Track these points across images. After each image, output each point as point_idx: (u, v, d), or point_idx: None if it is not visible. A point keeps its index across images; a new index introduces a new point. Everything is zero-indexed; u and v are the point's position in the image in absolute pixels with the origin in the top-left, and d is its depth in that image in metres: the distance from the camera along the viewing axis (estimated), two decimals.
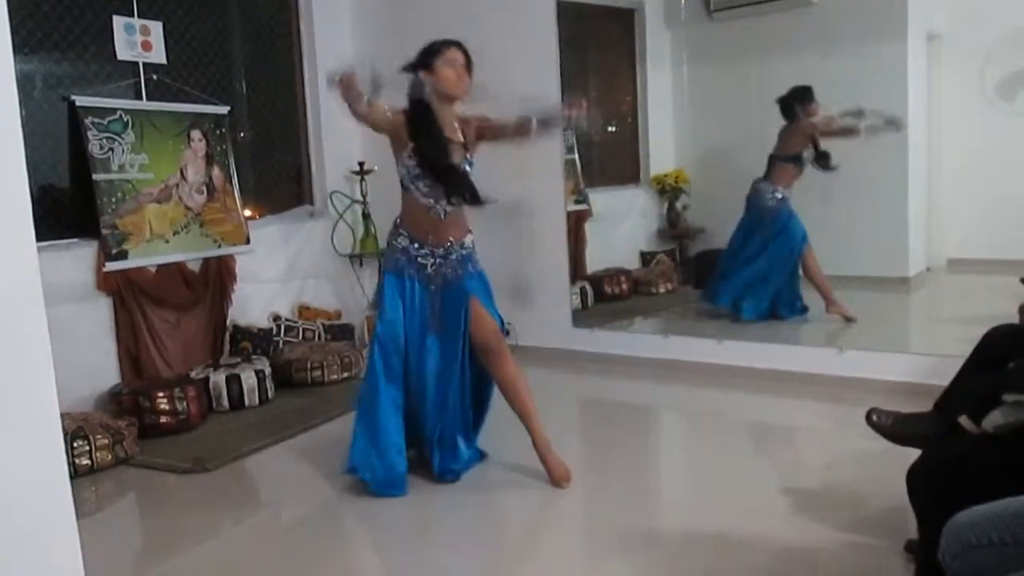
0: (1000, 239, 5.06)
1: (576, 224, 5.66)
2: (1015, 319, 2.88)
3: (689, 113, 6.13)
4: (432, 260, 3.24)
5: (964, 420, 2.00)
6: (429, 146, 3.06)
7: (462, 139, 3.18)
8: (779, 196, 5.27)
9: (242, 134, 5.47)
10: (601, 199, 6.01)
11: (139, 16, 4.68)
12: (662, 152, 6.29)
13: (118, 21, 4.58)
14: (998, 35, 4.97)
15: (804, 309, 5.29)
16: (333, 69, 2.93)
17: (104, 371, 4.39)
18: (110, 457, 3.71)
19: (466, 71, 3.10)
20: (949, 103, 5.36)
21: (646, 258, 6.30)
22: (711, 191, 6.11)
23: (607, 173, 6.42)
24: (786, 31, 5.59)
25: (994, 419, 1.91)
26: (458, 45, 3.11)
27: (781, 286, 5.29)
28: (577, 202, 5.73)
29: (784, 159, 5.27)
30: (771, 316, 5.26)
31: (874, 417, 2.63)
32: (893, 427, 2.60)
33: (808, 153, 5.22)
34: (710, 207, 6.16)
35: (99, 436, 3.69)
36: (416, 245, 3.25)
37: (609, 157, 6.55)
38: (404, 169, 3.16)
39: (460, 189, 3.10)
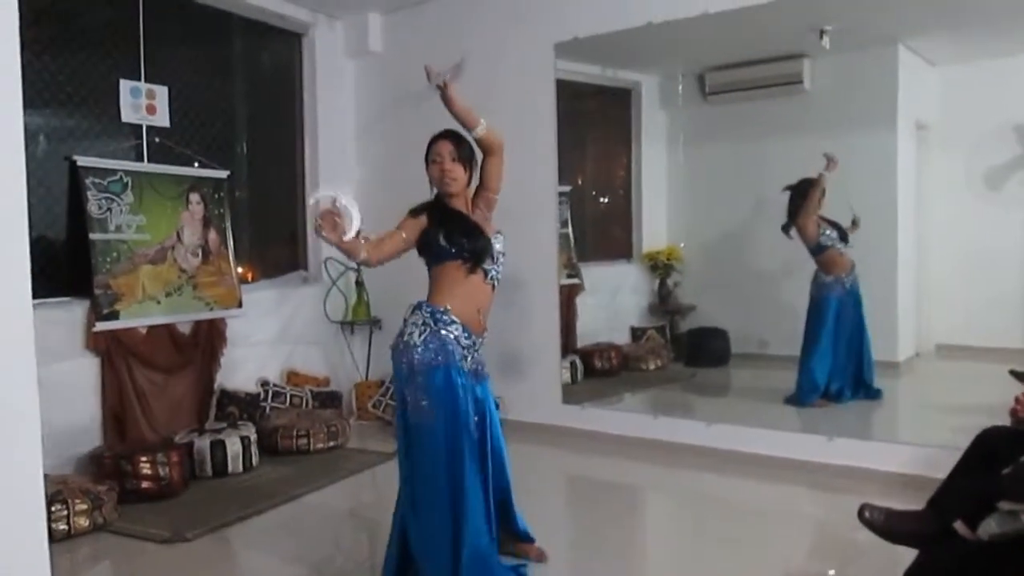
0: (988, 327, 5.09)
1: (568, 298, 5.69)
2: (1004, 408, 2.87)
3: (683, 191, 6.20)
4: (472, 353, 2.97)
5: (959, 526, 1.99)
6: (458, 224, 2.97)
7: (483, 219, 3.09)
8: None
9: (238, 193, 5.49)
10: (593, 273, 6.04)
11: (146, 80, 4.76)
12: (655, 229, 6.35)
13: (125, 85, 4.65)
14: (986, 127, 5.07)
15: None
16: (312, 204, 2.80)
17: (87, 432, 4.34)
18: (87, 523, 3.63)
19: (453, 161, 2.97)
20: (938, 191, 5.44)
21: (636, 333, 6.31)
22: (703, 268, 6.16)
23: (600, 248, 6.47)
24: (780, 116, 5.71)
25: (989, 527, 1.90)
26: (444, 136, 3.01)
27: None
28: (569, 276, 5.76)
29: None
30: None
31: (866, 513, 2.62)
32: (886, 524, 2.58)
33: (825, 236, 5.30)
34: (702, 284, 6.20)
35: (78, 501, 3.62)
36: (466, 335, 2.93)
37: (602, 232, 6.61)
38: (448, 249, 2.93)
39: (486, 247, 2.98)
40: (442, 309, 2.89)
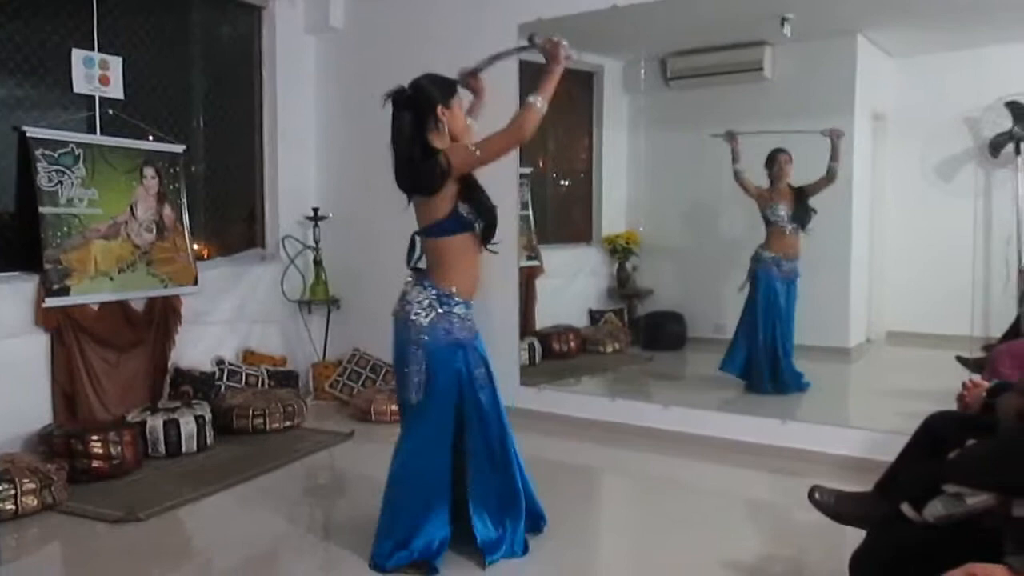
0: (937, 314, 5.20)
1: (527, 280, 5.69)
2: (951, 394, 2.94)
3: (643, 176, 6.24)
4: (467, 320, 3.01)
5: (906, 508, 2.04)
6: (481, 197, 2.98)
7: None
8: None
9: (194, 168, 5.38)
10: (553, 256, 6.06)
11: (99, 50, 4.64)
12: (615, 213, 6.38)
13: (77, 54, 4.53)
14: (940, 119, 5.16)
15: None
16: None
17: (36, 410, 4.24)
18: (36, 502, 3.55)
19: None
20: (892, 180, 5.55)
21: (595, 316, 6.35)
22: (661, 253, 6.22)
23: (560, 231, 6.49)
24: (740, 102, 5.76)
25: (934, 509, 1.95)
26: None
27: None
28: (529, 258, 5.77)
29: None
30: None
31: (816, 495, 2.68)
32: (835, 506, 2.65)
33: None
34: (660, 268, 6.27)
35: (26, 480, 3.54)
36: (465, 307, 2.98)
37: (563, 215, 6.63)
38: (463, 219, 2.92)
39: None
40: (448, 292, 2.90)
